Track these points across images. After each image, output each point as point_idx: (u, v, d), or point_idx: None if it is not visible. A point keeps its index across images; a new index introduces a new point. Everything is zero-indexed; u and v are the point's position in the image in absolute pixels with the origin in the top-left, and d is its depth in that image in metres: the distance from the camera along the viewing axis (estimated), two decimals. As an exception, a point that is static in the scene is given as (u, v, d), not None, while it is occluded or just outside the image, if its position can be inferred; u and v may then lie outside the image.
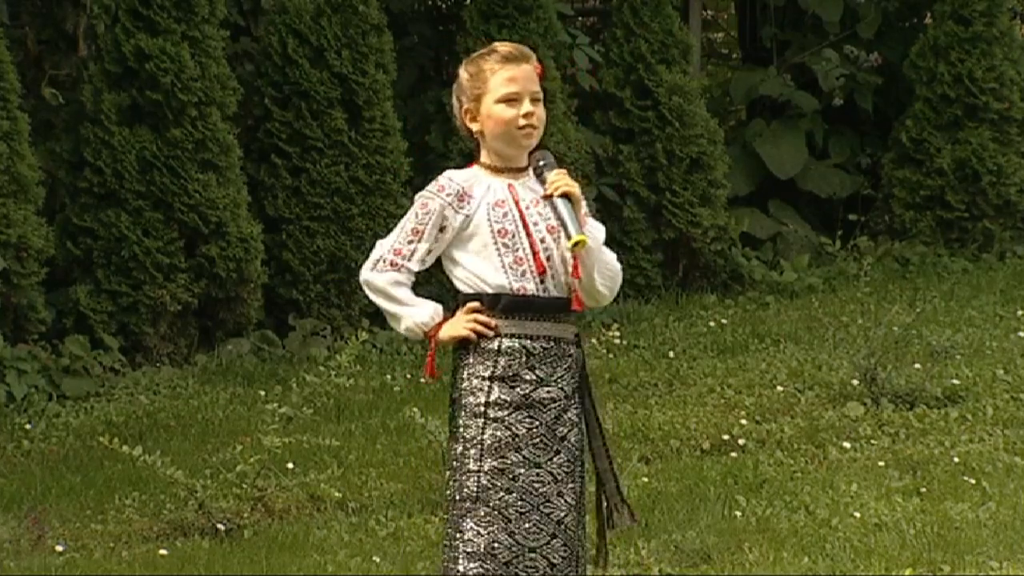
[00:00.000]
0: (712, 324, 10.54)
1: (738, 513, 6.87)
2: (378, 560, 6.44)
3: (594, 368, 9.25)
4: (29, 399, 8.78)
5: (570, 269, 4.50)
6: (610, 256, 4.60)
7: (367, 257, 4.61)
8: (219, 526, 6.82)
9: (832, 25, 13.56)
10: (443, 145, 10.96)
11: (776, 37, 13.76)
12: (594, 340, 9.93)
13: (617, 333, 10.23)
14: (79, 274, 9.64)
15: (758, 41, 14.05)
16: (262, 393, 8.96)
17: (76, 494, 7.34)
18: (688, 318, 10.77)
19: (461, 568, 4.46)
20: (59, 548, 6.62)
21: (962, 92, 12.61)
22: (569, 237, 4.44)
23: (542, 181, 4.52)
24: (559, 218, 4.47)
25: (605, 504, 4.62)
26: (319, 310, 10.22)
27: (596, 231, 4.55)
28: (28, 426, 8.46)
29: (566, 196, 4.47)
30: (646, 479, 7.37)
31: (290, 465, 7.29)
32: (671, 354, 9.74)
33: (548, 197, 4.49)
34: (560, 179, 4.48)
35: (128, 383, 9.21)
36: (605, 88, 11.68)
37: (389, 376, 9.43)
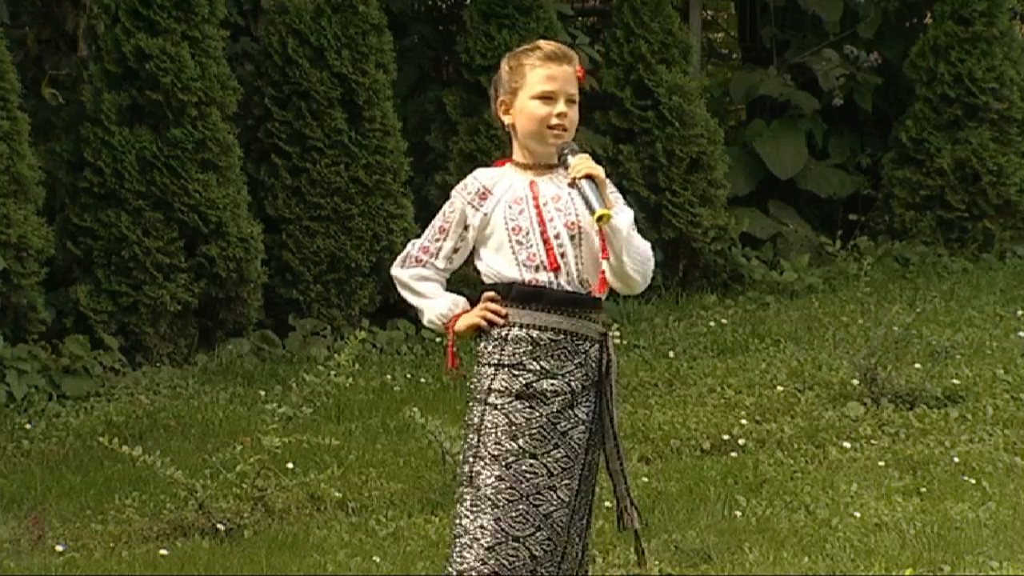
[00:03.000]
0: (712, 324, 10.53)
1: (738, 513, 6.86)
2: (378, 560, 6.44)
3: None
4: (29, 399, 8.78)
5: (598, 256, 4.50)
6: (641, 242, 4.57)
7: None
8: (219, 526, 6.81)
9: (832, 25, 13.56)
10: (443, 145, 10.94)
11: (776, 37, 13.76)
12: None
13: (617, 333, 10.21)
14: (79, 274, 9.64)
15: (758, 41, 14.06)
16: (262, 393, 8.96)
17: (76, 494, 7.34)
18: (688, 318, 10.77)
19: (455, 554, 4.49)
20: (59, 548, 6.61)
21: (962, 92, 12.61)
22: (593, 212, 4.42)
23: (566, 167, 4.52)
24: (583, 198, 4.46)
25: (616, 505, 4.62)
26: (319, 310, 10.22)
27: (624, 214, 4.52)
28: (28, 426, 8.45)
29: (589, 177, 4.46)
30: (646, 479, 7.36)
31: (290, 465, 7.28)
32: (671, 354, 9.73)
33: (572, 183, 4.48)
34: (582, 162, 4.48)
35: (128, 383, 9.21)
36: (605, 88, 11.67)
37: (389, 376, 9.43)
